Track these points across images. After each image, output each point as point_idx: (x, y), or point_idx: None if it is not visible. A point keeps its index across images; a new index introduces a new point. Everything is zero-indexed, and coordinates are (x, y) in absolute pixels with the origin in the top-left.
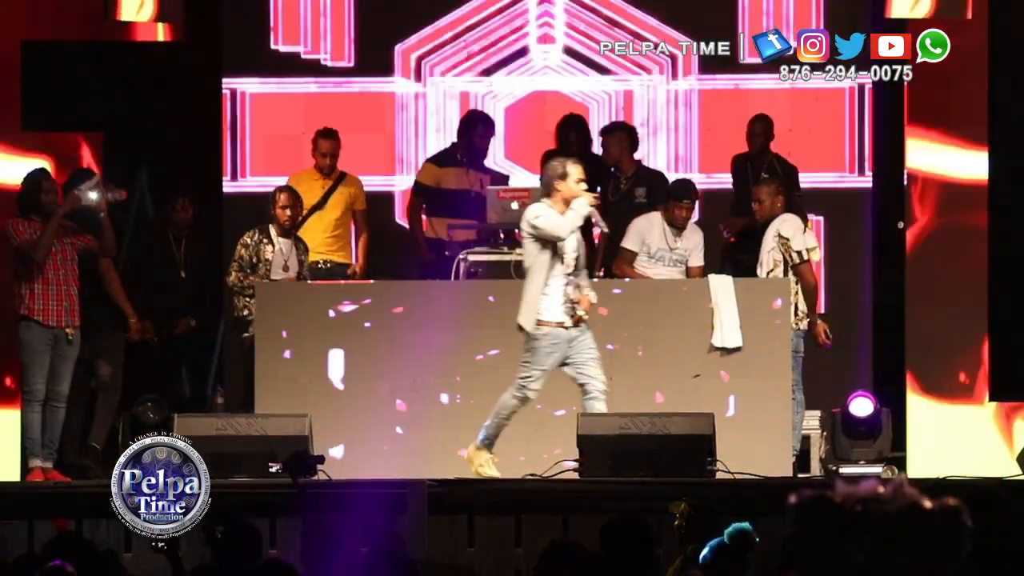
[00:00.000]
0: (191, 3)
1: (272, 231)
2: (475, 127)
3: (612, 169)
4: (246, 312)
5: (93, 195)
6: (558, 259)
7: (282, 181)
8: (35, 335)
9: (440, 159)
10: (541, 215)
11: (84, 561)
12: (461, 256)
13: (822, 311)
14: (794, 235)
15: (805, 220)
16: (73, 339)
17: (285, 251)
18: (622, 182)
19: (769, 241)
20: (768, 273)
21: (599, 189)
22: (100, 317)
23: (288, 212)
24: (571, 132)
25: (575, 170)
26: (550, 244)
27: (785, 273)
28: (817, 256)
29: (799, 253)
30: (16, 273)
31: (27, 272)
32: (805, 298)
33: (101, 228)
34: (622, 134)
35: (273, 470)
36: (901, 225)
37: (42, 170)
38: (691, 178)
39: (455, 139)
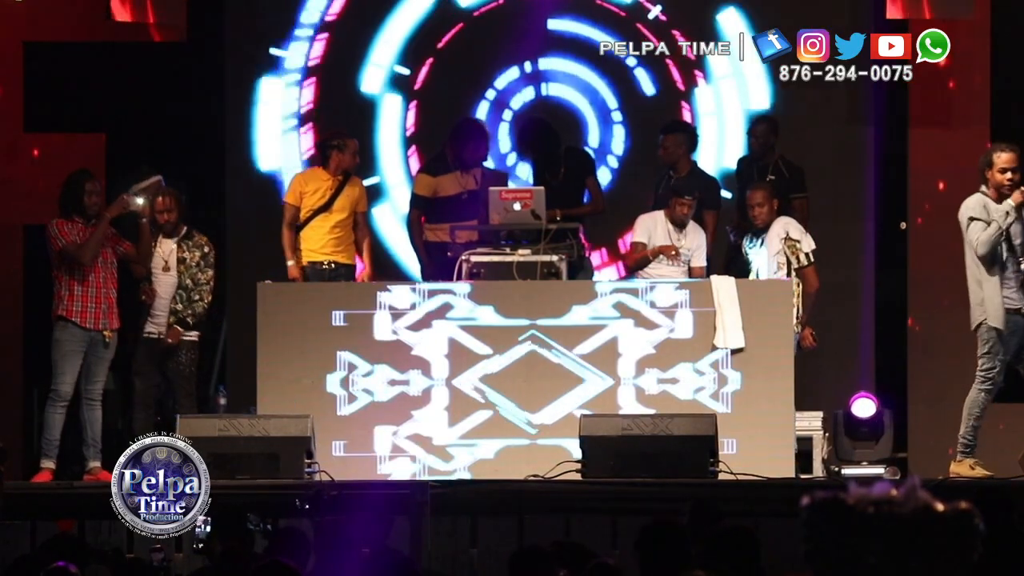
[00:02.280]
0: (193, 4)
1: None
2: (466, 144)
3: (669, 171)
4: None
5: (140, 200)
6: (1004, 248)
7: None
8: (71, 336)
9: (433, 168)
10: (971, 216)
11: (81, 562)
12: (463, 257)
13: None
14: (802, 238)
15: (806, 221)
16: (110, 342)
17: (165, 252)
18: (673, 181)
19: (774, 243)
20: (772, 275)
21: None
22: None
23: (165, 216)
24: (532, 141)
25: (999, 158)
26: None
27: (788, 275)
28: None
29: (807, 255)
30: (56, 274)
31: (68, 273)
32: (805, 300)
33: (140, 234)
34: (682, 135)
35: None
36: (904, 226)
37: (85, 171)
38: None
39: (445, 143)
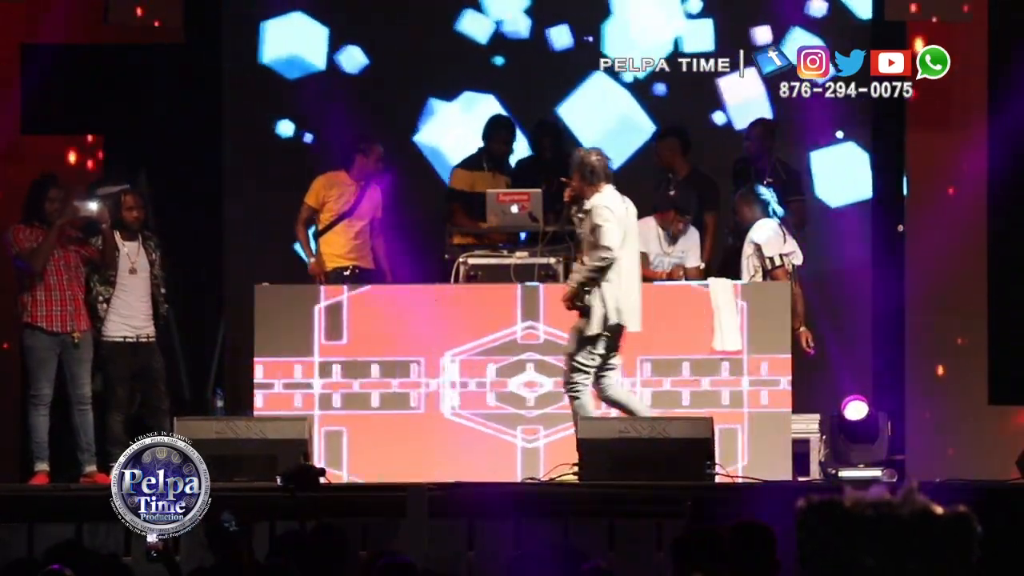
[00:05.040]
0: (191, 5)
1: (117, 236)
2: (495, 133)
3: (669, 174)
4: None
5: (93, 205)
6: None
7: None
8: (39, 341)
9: (469, 164)
10: None
11: (84, 568)
12: (461, 259)
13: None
14: (767, 242)
15: (803, 224)
16: (80, 342)
17: (132, 255)
18: (673, 184)
19: (747, 247)
20: (749, 279)
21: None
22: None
23: (135, 213)
24: (545, 138)
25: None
26: None
27: (764, 278)
28: (798, 260)
29: (771, 259)
30: (19, 280)
31: (28, 279)
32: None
33: (102, 239)
34: (674, 140)
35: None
36: (901, 228)
37: (50, 177)
38: None
39: (480, 144)
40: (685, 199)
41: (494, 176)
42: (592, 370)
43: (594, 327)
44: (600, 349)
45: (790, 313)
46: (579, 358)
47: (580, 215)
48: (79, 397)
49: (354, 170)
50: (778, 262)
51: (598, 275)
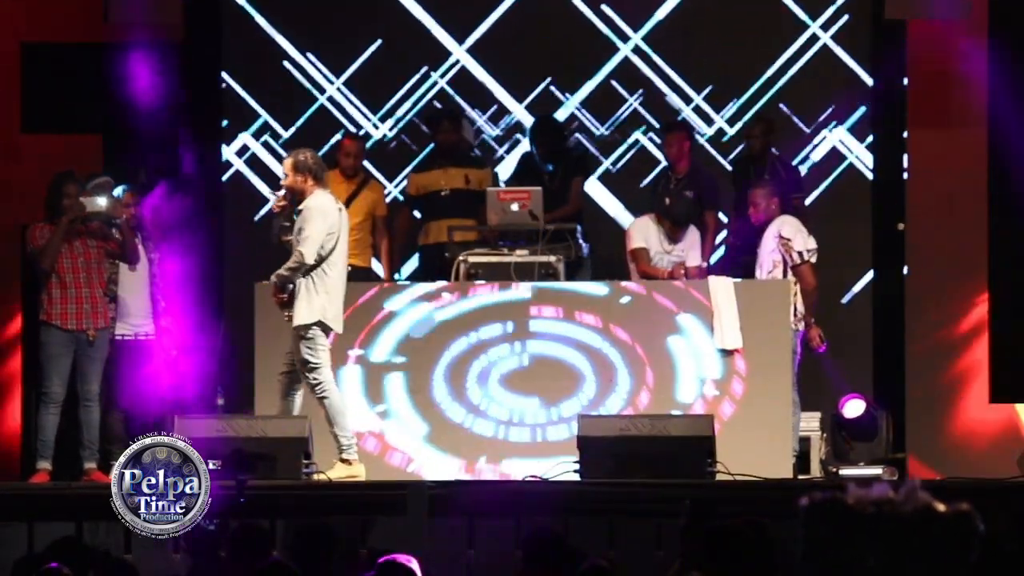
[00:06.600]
0: (190, 5)
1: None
2: (435, 126)
3: (666, 168)
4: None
5: (102, 201)
6: None
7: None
8: (53, 338)
9: (419, 166)
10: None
11: (83, 565)
12: (461, 258)
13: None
14: (795, 236)
15: (806, 222)
16: (96, 340)
17: None
18: (672, 181)
19: (769, 242)
20: (768, 274)
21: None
22: None
23: (133, 210)
24: (537, 135)
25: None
26: None
27: (784, 274)
28: (814, 258)
29: (800, 254)
30: (37, 278)
31: (44, 277)
32: (804, 299)
33: (121, 232)
34: (683, 133)
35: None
36: (901, 226)
37: (68, 174)
38: None
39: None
40: (682, 208)
41: (445, 171)
42: (325, 361)
43: (298, 320)
44: (321, 340)
45: (792, 310)
46: (307, 359)
47: (287, 223)
48: (86, 393)
49: (340, 167)
50: (806, 257)
51: (293, 276)
